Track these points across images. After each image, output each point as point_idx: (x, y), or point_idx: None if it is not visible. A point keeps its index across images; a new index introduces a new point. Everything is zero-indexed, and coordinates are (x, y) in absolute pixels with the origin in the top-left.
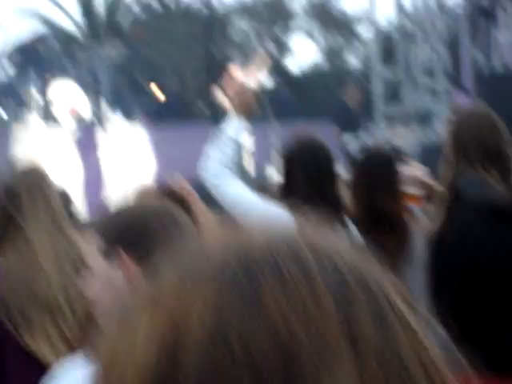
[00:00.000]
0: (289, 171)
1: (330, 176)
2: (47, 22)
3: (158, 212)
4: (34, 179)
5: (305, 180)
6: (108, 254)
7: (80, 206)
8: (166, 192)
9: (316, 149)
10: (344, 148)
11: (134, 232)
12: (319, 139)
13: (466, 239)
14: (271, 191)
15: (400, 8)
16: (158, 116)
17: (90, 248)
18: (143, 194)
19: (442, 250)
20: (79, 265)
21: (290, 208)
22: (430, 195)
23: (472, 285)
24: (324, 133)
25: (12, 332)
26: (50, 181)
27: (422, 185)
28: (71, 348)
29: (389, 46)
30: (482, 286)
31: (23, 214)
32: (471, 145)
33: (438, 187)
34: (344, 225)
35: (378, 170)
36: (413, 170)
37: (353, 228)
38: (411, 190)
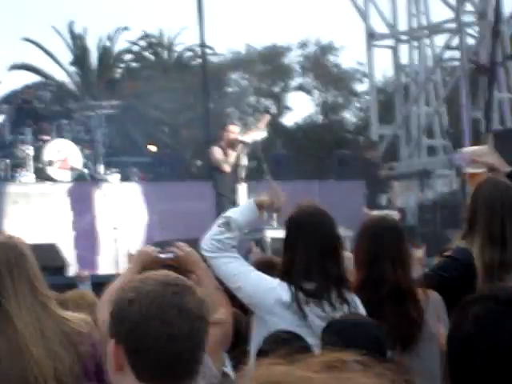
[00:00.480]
0: (291, 244)
1: (333, 251)
2: (41, 74)
3: (142, 302)
4: (13, 255)
5: (306, 254)
6: (110, 336)
7: (71, 259)
8: (166, 260)
9: (320, 220)
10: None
11: (123, 328)
12: (322, 209)
13: (485, 330)
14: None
15: (398, 64)
16: (152, 171)
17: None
18: (142, 261)
19: (462, 340)
20: (66, 340)
21: (290, 284)
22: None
23: (493, 376)
24: (352, 191)
25: None
26: (29, 255)
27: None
28: None
29: (387, 103)
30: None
31: (5, 292)
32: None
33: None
34: (345, 301)
35: (382, 238)
36: None
37: (357, 302)
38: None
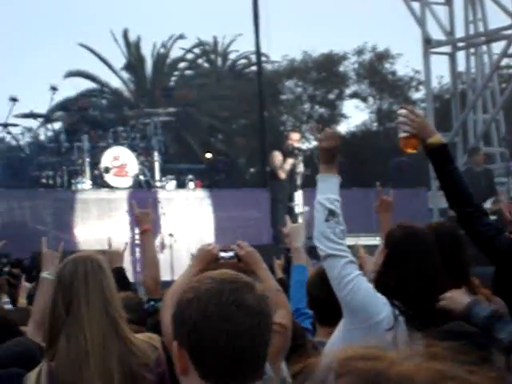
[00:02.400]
0: (395, 262)
1: (440, 270)
2: (97, 82)
3: (201, 300)
4: (92, 268)
5: (417, 275)
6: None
7: (127, 265)
8: (229, 260)
9: (425, 241)
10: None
11: (184, 328)
12: (422, 229)
13: None
14: None
15: (455, 71)
16: (207, 178)
17: (144, 345)
18: (203, 260)
19: None
20: (126, 369)
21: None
22: None
23: None
24: (409, 199)
25: None
26: (107, 272)
27: None
28: None
29: (443, 110)
30: None
31: (79, 301)
32: None
33: None
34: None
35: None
36: None
37: None
38: None
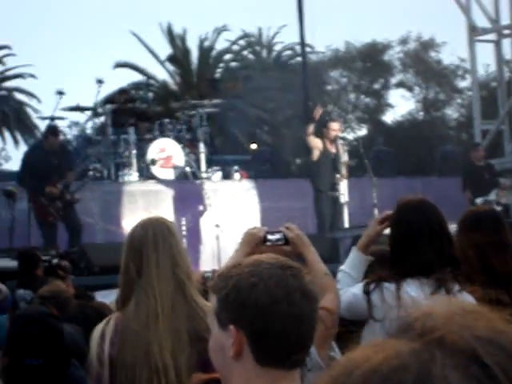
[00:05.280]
0: (403, 235)
1: (447, 237)
2: (143, 74)
3: (267, 285)
4: (161, 231)
5: (424, 244)
6: (223, 324)
7: None
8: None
9: (430, 210)
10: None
11: (247, 312)
12: (428, 200)
13: None
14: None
15: (501, 59)
16: (253, 169)
17: (208, 310)
18: (250, 243)
19: None
20: (192, 331)
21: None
22: None
23: None
24: (455, 188)
25: None
26: (176, 234)
27: None
28: None
29: (489, 98)
30: None
31: (149, 263)
32: None
33: None
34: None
35: (486, 229)
36: None
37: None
38: None
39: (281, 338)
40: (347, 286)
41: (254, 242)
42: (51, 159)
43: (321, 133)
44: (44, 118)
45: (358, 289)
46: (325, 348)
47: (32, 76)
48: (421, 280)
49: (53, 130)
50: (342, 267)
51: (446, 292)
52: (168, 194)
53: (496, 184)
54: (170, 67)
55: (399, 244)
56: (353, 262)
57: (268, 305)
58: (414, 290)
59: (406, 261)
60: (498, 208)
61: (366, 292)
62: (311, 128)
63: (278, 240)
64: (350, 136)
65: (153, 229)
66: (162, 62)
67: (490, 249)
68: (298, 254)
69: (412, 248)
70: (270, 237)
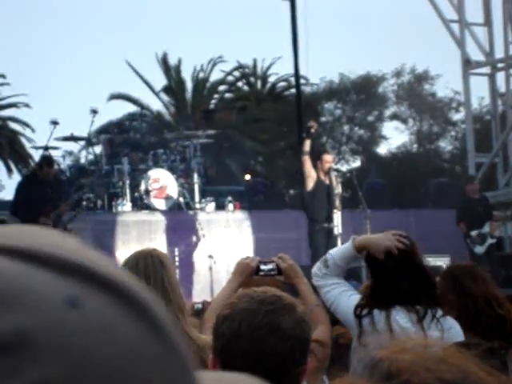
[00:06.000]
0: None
1: (426, 273)
2: (138, 105)
3: (235, 319)
4: (152, 262)
5: (400, 279)
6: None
7: None
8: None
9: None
10: (468, 242)
11: (216, 343)
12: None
13: None
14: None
15: (495, 91)
16: (246, 200)
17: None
18: (242, 273)
19: None
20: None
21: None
22: None
23: None
24: (449, 220)
25: None
26: (168, 266)
27: None
28: None
29: (484, 130)
30: None
31: None
32: None
33: None
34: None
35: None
36: None
37: (455, 325)
38: None
39: (245, 372)
40: (336, 276)
41: (247, 272)
42: (45, 190)
43: (315, 164)
44: (38, 148)
45: (351, 302)
46: (316, 382)
47: (26, 105)
48: (407, 307)
49: (47, 161)
50: (332, 252)
51: (432, 318)
52: (161, 224)
53: (490, 217)
54: (165, 98)
55: (383, 273)
56: (344, 255)
57: (231, 339)
58: (402, 318)
59: (392, 289)
60: (492, 241)
61: (358, 316)
62: (307, 145)
63: (270, 270)
64: (344, 168)
65: (145, 261)
66: (156, 93)
67: (470, 299)
68: (291, 284)
69: (395, 277)
70: (262, 267)
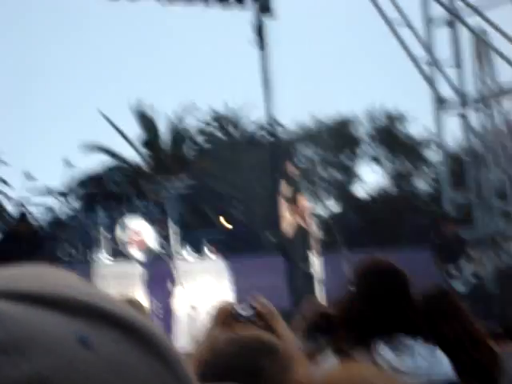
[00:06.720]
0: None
1: (408, 302)
2: (113, 155)
3: (201, 361)
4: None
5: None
6: None
7: None
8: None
9: (393, 274)
10: (447, 279)
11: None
12: (393, 264)
13: None
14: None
15: (468, 130)
16: (225, 246)
17: None
18: (221, 319)
19: None
20: None
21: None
22: None
23: None
24: (426, 260)
25: None
26: (145, 314)
27: None
28: None
29: (458, 169)
30: None
31: None
32: None
33: None
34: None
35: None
36: None
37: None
38: None
39: None
40: None
41: (225, 318)
42: (22, 246)
43: (292, 208)
44: (13, 202)
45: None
46: None
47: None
48: (390, 339)
49: (23, 217)
50: None
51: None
52: (139, 274)
53: (466, 254)
54: (141, 149)
55: (364, 304)
56: None
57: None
58: (384, 351)
59: (374, 321)
60: (473, 280)
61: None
62: (284, 186)
63: (249, 315)
64: (321, 211)
65: None
66: (131, 143)
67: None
68: (269, 328)
69: (377, 309)
70: (241, 312)
